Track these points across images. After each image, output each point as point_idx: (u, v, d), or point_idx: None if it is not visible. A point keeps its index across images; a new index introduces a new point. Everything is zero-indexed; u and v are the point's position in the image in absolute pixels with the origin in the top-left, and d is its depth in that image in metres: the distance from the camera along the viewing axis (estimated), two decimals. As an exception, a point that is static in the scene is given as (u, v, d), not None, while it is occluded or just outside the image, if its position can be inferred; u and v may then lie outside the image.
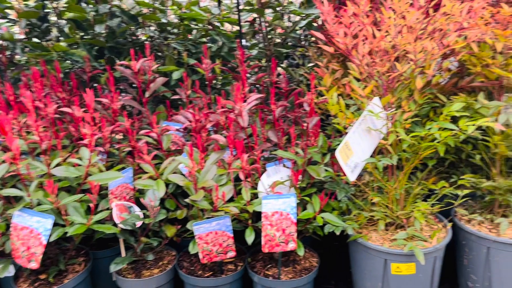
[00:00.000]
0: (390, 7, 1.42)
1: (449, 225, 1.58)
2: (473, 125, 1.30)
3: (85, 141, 1.47)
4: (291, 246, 1.46)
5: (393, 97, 1.49)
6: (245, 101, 1.62)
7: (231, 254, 1.50)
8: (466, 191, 1.52)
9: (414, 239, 1.51)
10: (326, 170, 1.52)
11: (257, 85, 2.18)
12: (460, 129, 1.34)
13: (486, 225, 1.60)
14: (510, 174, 1.64)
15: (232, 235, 1.46)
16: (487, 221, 1.62)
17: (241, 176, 1.45)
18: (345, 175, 1.46)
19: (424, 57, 1.38)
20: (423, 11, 1.44)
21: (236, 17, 2.57)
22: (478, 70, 1.49)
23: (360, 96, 1.43)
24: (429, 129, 1.38)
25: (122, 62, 1.84)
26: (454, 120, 1.42)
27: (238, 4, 2.37)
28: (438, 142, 1.39)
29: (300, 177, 1.58)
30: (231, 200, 1.56)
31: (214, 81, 2.57)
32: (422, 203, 1.50)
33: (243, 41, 3.00)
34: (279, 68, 2.87)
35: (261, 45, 2.79)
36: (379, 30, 1.45)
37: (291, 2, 2.87)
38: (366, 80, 1.51)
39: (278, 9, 2.74)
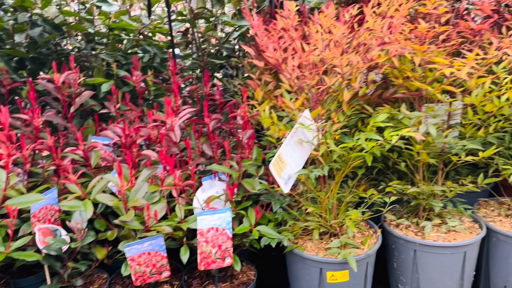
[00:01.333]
0: (317, 22, 1.46)
1: (379, 231, 1.64)
2: (397, 135, 1.36)
3: (1, 162, 1.36)
4: (228, 261, 1.44)
5: (323, 109, 1.53)
6: (178, 115, 1.58)
7: (166, 274, 1.45)
8: (393, 198, 1.59)
9: (347, 246, 1.55)
10: (261, 183, 1.52)
11: (190, 97, 2.14)
12: (385, 139, 1.40)
13: (413, 229, 1.69)
14: (433, 179, 1.74)
15: (166, 254, 1.41)
16: (414, 225, 1.70)
17: (174, 193, 1.41)
18: (279, 187, 1.47)
19: (350, 71, 1.43)
20: (348, 26, 1.50)
21: (169, 27, 2.52)
22: (400, 82, 1.58)
23: (291, 109, 1.45)
24: (357, 139, 1.43)
25: (44, 75, 1.73)
26: (381, 130, 1.48)
27: (169, 14, 2.33)
28: (366, 152, 1.45)
29: (235, 190, 1.56)
30: (165, 218, 1.51)
31: (146, 93, 2.49)
32: (353, 211, 1.55)
33: (178, 52, 2.95)
34: (214, 79, 2.86)
35: (194, 56, 2.76)
36: (308, 44, 1.49)
37: (224, 13, 2.87)
38: (297, 93, 1.54)
39: (211, 19, 2.74)
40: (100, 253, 1.53)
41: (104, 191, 1.52)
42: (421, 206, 1.71)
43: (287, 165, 1.45)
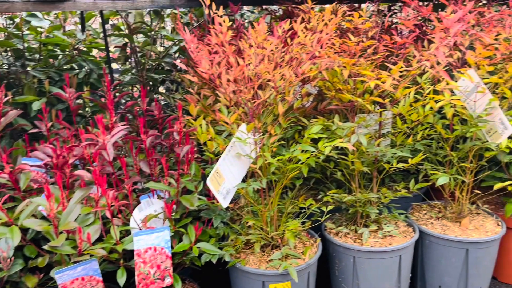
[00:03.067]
0: (250, 37, 1.48)
1: (318, 240, 1.67)
2: (330, 146, 1.40)
3: None
4: (168, 281, 1.40)
5: (260, 123, 1.54)
6: (111, 132, 1.54)
7: (103, 298, 1.39)
8: (330, 207, 1.63)
9: (288, 258, 1.56)
10: (200, 199, 1.50)
11: (130, 114, 2.09)
12: (319, 150, 1.44)
13: (352, 236, 1.74)
14: (368, 186, 1.80)
15: (101, 279, 1.36)
16: (352, 232, 1.75)
17: (108, 215, 1.36)
18: (218, 202, 1.46)
19: (283, 84, 1.46)
20: (281, 40, 1.53)
21: (104, 42, 2.46)
22: (333, 94, 1.63)
23: (227, 123, 1.46)
24: (293, 151, 1.45)
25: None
26: (316, 141, 1.52)
27: (104, 29, 2.27)
28: (302, 163, 1.48)
29: (174, 207, 1.54)
30: (101, 240, 1.45)
31: (84, 110, 2.41)
32: (292, 222, 1.57)
33: (118, 67, 2.88)
34: (157, 94, 2.81)
35: (134, 71, 2.71)
36: (243, 58, 1.50)
37: (163, 27, 2.85)
38: (236, 107, 1.55)
39: (149, 34, 2.70)
40: (31, 282, 1.44)
41: (34, 215, 1.44)
42: (359, 213, 1.77)
43: (225, 179, 1.45)
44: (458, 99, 1.51)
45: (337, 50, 1.55)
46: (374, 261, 1.64)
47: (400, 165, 1.65)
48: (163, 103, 2.77)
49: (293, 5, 1.83)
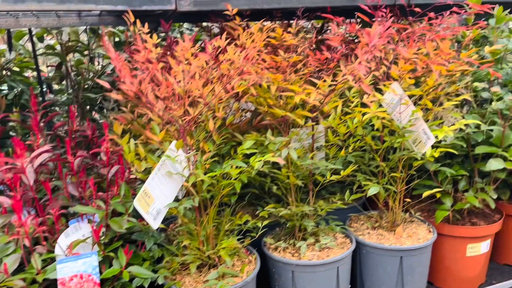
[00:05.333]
0: (179, 54, 1.47)
1: (253, 256, 1.66)
2: (260, 161, 1.40)
3: None
4: (96, 309, 1.33)
5: (192, 140, 1.52)
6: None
7: (24, 333, 1.30)
8: (265, 222, 1.62)
9: (225, 276, 1.53)
10: (129, 221, 1.45)
11: (58, 135, 2.00)
12: (251, 165, 1.44)
13: (290, 250, 1.74)
14: (306, 199, 1.82)
15: (98, 281, 1.28)
16: (291, 246, 1.75)
17: (26, 243, 1.28)
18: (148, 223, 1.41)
19: (214, 101, 1.46)
20: (212, 57, 1.53)
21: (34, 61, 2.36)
22: (265, 109, 1.64)
23: (156, 141, 1.43)
24: (225, 167, 1.44)
25: None
26: (252, 156, 1.51)
27: (33, 47, 2.19)
28: (235, 179, 1.47)
29: (103, 231, 1.47)
30: (21, 270, 1.36)
31: (15, 132, 2.28)
32: (226, 240, 1.55)
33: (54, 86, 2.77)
34: (97, 114, 2.72)
35: (70, 91, 2.62)
36: (174, 75, 1.49)
37: (101, 45, 2.78)
38: (168, 124, 1.52)
39: (86, 52, 2.63)
40: None
41: None
42: (296, 227, 1.77)
43: (155, 199, 1.41)
44: (384, 111, 1.56)
45: (268, 66, 1.57)
46: (312, 274, 1.64)
47: (334, 177, 1.68)
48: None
49: (224, 23, 1.84)
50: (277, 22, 2.08)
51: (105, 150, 1.48)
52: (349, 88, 1.71)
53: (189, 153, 1.51)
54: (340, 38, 1.72)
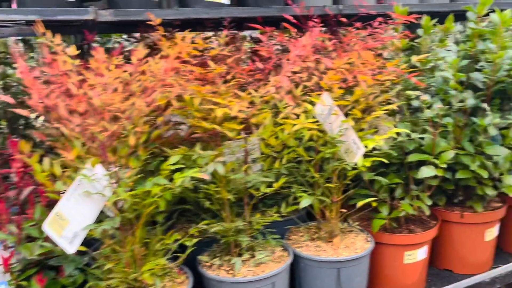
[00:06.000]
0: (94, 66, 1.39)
1: (183, 276, 1.59)
2: (184, 177, 1.34)
3: None
4: None
5: (114, 156, 1.44)
6: None
7: None
8: (195, 240, 1.56)
9: (153, 299, 1.46)
10: (42, 246, 1.35)
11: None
12: (173, 182, 1.37)
13: (225, 267, 1.67)
14: (241, 214, 1.76)
15: None
16: (226, 263, 1.69)
17: None
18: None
19: (135, 114, 1.39)
20: (134, 69, 1.46)
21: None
22: (194, 122, 1.58)
23: (70, 159, 1.34)
24: (146, 185, 1.37)
25: None
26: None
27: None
28: (160, 196, 1.40)
29: (20, 258, 1.36)
30: None
31: None
32: (152, 261, 1.47)
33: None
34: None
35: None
36: (92, 88, 1.41)
37: (32, 57, 2.64)
38: (89, 141, 1.43)
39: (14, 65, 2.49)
40: None
41: None
42: (232, 243, 1.72)
43: (71, 221, 1.32)
44: (313, 122, 1.54)
45: (194, 77, 1.51)
46: (246, 291, 1.59)
47: (267, 189, 1.64)
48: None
49: (150, 33, 1.79)
50: (211, 32, 2.04)
51: (16, 171, 1.37)
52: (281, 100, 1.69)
53: (110, 170, 1.43)
54: (270, 49, 1.69)
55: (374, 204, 1.88)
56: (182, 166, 1.46)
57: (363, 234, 1.92)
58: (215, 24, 1.89)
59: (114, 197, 1.37)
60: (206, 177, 1.36)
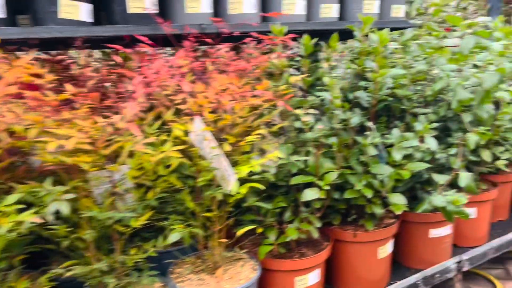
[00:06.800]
0: None
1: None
2: (14, 221, 1.17)
3: None
4: None
5: None
6: None
7: None
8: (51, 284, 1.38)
9: None
10: None
11: None
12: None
13: (91, 314, 1.51)
14: (112, 252, 1.60)
15: None
16: (93, 308, 1.53)
17: None
18: None
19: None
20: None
21: None
22: (45, 155, 1.41)
23: None
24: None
25: None
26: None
27: None
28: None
29: None
30: None
31: None
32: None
33: None
34: None
35: None
36: None
37: None
38: None
39: None
40: None
41: None
42: (101, 284, 1.55)
43: None
44: (177, 151, 1.43)
45: (36, 105, 1.34)
46: None
47: (135, 224, 1.50)
48: None
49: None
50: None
51: None
52: (150, 125, 1.57)
53: None
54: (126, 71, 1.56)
55: (259, 230, 1.80)
56: (24, 206, 1.28)
57: (251, 262, 1.83)
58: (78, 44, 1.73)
59: None
60: (39, 220, 1.19)
